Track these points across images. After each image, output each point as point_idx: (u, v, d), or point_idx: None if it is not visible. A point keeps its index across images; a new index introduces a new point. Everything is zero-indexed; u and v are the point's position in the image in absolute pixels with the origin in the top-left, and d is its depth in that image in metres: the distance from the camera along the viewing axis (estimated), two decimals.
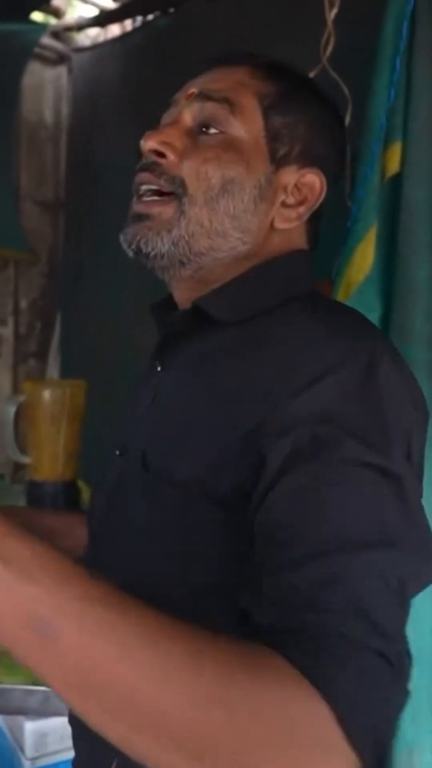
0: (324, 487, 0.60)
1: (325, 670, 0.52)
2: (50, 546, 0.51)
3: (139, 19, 2.40)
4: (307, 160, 0.83)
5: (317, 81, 0.90)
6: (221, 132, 0.79)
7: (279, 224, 0.82)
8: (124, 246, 0.80)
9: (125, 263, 0.86)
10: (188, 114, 0.81)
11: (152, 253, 0.79)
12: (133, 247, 0.79)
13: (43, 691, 1.34)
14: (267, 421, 0.65)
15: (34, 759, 1.40)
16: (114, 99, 2.48)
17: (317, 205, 0.84)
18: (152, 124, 0.86)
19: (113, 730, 0.50)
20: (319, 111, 0.85)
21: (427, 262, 1.15)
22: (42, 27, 2.65)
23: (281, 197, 0.82)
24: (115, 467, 0.85)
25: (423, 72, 1.15)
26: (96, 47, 2.64)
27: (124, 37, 2.49)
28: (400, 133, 1.17)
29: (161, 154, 0.80)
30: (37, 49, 2.64)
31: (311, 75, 1.34)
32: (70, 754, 0.92)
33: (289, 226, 0.83)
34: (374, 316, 1.19)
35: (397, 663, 0.56)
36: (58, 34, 2.72)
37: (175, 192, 0.78)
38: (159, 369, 0.86)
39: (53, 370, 2.78)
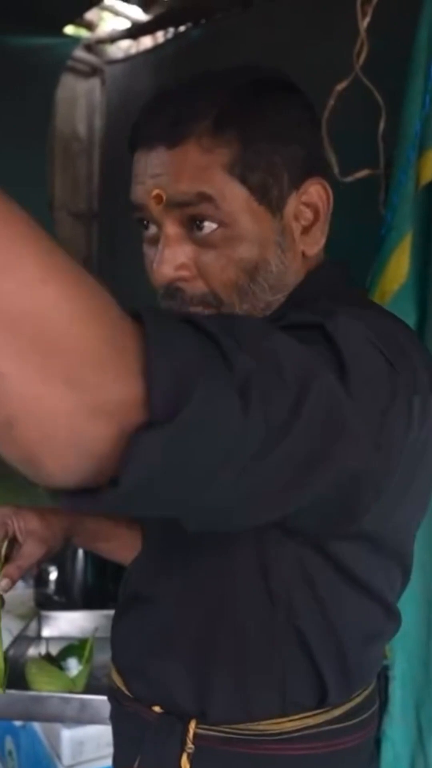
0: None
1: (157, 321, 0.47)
2: None
3: (171, 30, 2.42)
4: (299, 176, 0.77)
5: (257, 65, 0.79)
6: (217, 227, 0.74)
7: (310, 251, 0.79)
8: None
9: None
10: (171, 224, 0.75)
11: None
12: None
13: (80, 699, 1.34)
14: None
15: (70, 766, 1.41)
16: None
17: (331, 206, 0.79)
18: None
19: None
20: (284, 115, 0.76)
21: None
22: (75, 40, 2.69)
23: (298, 228, 0.78)
24: None
25: None
26: (128, 59, 2.67)
27: (157, 48, 2.51)
28: None
29: (180, 278, 0.76)
30: (70, 62, 2.68)
31: (344, 84, 1.34)
32: (107, 762, 0.92)
33: (320, 246, 0.80)
34: (409, 323, 1.18)
35: (241, 377, 0.49)
36: (91, 47, 2.75)
37: (210, 304, 0.77)
38: None
39: None
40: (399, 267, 1.18)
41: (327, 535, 0.72)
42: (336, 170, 1.36)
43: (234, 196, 0.74)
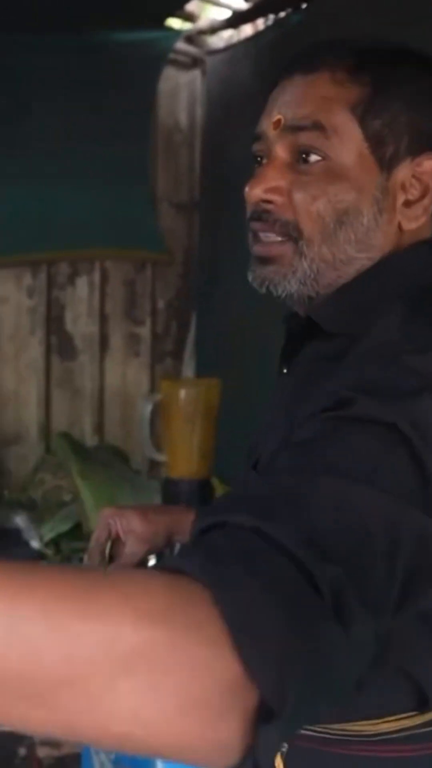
0: (323, 440, 0.58)
1: (221, 569, 0.45)
2: None
3: (271, 17, 2.40)
4: (418, 147, 0.77)
5: (406, 44, 0.82)
6: (322, 158, 0.75)
7: (407, 225, 0.78)
8: (255, 286, 0.80)
9: None
10: (281, 149, 0.77)
11: (283, 295, 0.79)
12: (263, 290, 0.79)
13: None
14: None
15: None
16: (247, 99, 2.50)
17: None
18: None
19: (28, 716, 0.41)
20: (419, 85, 0.78)
21: None
22: (177, 33, 2.71)
23: (402, 198, 0.77)
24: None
25: None
26: (229, 48, 2.67)
27: (257, 36, 2.50)
28: None
29: (269, 200, 0.77)
30: (171, 55, 2.70)
31: None
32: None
33: (418, 224, 0.78)
34: None
35: (331, 595, 0.46)
36: (192, 38, 2.76)
37: (290, 235, 0.77)
38: (285, 372, 0.87)
39: (188, 369, 2.83)
40: None
41: None
42: None
43: (348, 134, 0.75)
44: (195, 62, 2.81)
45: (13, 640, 0.38)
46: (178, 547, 1.81)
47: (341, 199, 0.75)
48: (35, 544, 2.09)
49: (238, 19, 2.56)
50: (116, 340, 2.78)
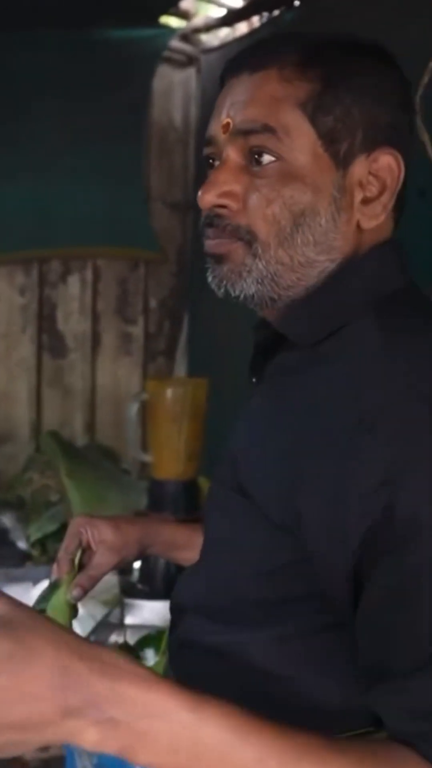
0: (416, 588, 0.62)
1: None
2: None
3: (266, 15, 2.39)
4: (374, 142, 0.74)
5: (356, 34, 0.77)
6: (276, 159, 0.72)
7: (366, 224, 0.75)
8: (213, 287, 0.78)
9: None
10: (233, 151, 0.74)
11: (241, 296, 0.76)
12: (222, 291, 0.77)
13: None
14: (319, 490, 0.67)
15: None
16: None
17: (400, 185, 0.75)
18: None
19: None
20: (373, 78, 0.75)
21: None
22: (171, 31, 2.70)
23: (359, 195, 0.74)
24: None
25: None
26: (223, 47, 2.65)
27: (252, 34, 2.48)
28: None
29: (222, 205, 0.75)
30: (166, 53, 2.69)
31: None
32: None
33: (378, 222, 0.75)
34: None
35: None
36: (187, 36, 2.75)
37: (243, 238, 0.74)
38: (254, 381, 0.87)
39: (181, 368, 2.82)
40: None
41: None
42: (430, 150, 1.30)
43: (300, 133, 0.73)
44: (190, 60, 2.80)
45: None
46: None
47: (297, 201, 0.73)
48: (21, 544, 2.07)
49: (232, 17, 2.54)
50: (108, 339, 2.77)
